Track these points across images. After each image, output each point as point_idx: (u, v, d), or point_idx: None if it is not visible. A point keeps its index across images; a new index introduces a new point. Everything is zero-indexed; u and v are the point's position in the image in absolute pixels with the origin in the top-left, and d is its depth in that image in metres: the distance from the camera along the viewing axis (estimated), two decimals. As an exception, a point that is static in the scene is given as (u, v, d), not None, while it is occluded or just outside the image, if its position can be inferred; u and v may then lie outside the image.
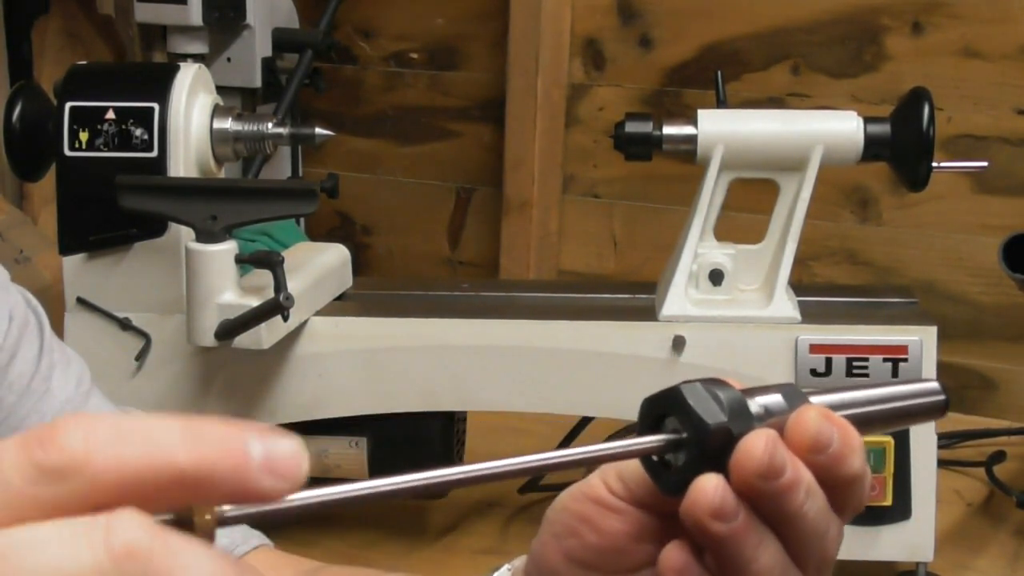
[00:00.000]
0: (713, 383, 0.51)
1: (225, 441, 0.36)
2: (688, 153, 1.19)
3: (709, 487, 0.50)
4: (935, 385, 0.58)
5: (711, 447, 0.50)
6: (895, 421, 0.57)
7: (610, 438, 1.37)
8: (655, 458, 0.52)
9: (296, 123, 1.29)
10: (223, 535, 0.88)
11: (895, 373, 1.16)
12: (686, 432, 0.51)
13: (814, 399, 0.54)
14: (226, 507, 0.41)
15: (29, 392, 0.81)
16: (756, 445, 0.50)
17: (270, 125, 1.22)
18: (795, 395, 0.53)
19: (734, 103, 1.31)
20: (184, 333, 1.15)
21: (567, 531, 0.58)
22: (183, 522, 0.40)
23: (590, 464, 0.52)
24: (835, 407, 0.54)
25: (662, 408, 0.52)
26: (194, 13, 1.68)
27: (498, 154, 1.90)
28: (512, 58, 1.85)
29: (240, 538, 0.83)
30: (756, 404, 0.52)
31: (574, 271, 1.90)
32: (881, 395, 0.56)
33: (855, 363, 1.16)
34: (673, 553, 0.53)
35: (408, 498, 0.44)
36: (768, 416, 0.52)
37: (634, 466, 0.55)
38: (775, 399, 0.53)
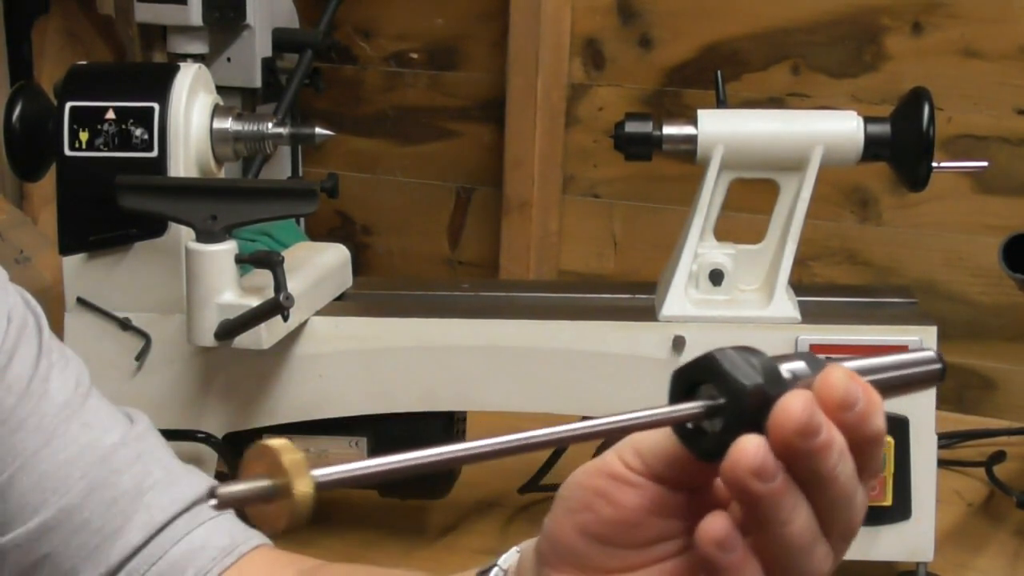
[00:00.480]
0: (744, 350, 0.53)
1: None
2: (688, 153, 1.19)
3: (751, 446, 0.51)
4: (931, 354, 0.60)
5: (748, 409, 0.52)
6: (897, 389, 0.59)
7: (603, 443, 1.36)
8: (689, 426, 0.54)
9: (296, 123, 1.29)
10: (225, 535, 0.88)
11: (895, 373, 1.16)
12: (723, 397, 0.52)
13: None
14: (318, 472, 0.42)
15: (28, 394, 0.81)
16: (795, 404, 0.52)
17: (270, 125, 1.22)
18: (816, 361, 0.55)
19: (734, 103, 1.31)
20: (184, 333, 1.15)
21: (582, 505, 0.58)
22: (282, 490, 0.42)
23: (629, 432, 0.53)
24: None
25: (695, 377, 0.53)
26: (194, 13, 1.68)
27: (498, 154, 1.90)
28: (512, 58, 1.85)
29: (241, 537, 0.84)
30: (785, 369, 0.54)
31: (574, 271, 1.90)
32: (884, 363, 0.58)
33: (855, 363, 1.16)
34: (715, 522, 0.53)
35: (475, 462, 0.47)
36: (796, 380, 0.54)
37: (651, 440, 0.56)
38: (800, 365, 0.55)
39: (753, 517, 0.53)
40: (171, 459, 0.86)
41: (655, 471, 0.56)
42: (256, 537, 0.85)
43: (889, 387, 0.58)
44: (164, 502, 0.82)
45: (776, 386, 0.52)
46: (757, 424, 0.52)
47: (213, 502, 0.42)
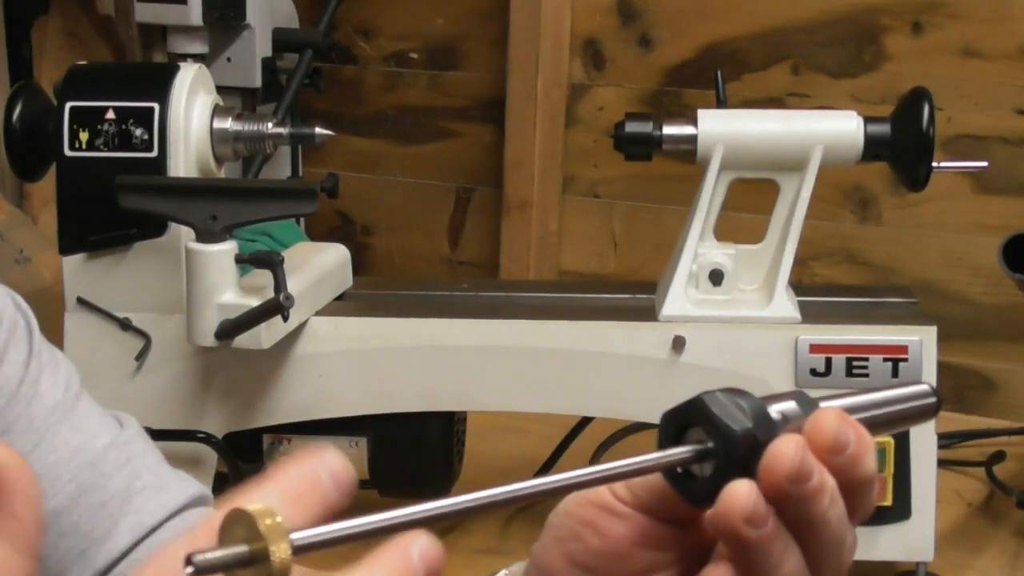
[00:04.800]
0: (733, 392, 0.52)
1: None
2: (688, 153, 1.19)
3: (742, 492, 0.50)
4: (926, 387, 0.59)
5: (738, 454, 0.51)
6: (891, 425, 0.58)
7: (603, 443, 1.36)
8: (679, 470, 0.53)
9: (296, 123, 1.29)
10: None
11: (895, 373, 1.16)
12: (712, 441, 0.51)
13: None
14: (296, 536, 0.42)
15: (17, 397, 0.80)
16: (787, 449, 0.51)
17: (270, 125, 1.22)
18: (807, 401, 0.54)
19: (734, 103, 1.31)
20: (184, 333, 1.15)
21: (570, 535, 0.58)
22: (259, 555, 0.41)
23: (617, 480, 0.52)
24: None
25: (684, 420, 0.52)
26: (194, 13, 1.68)
27: (498, 154, 1.90)
28: (512, 58, 1.85)
29: None
30: (774, 411, 0.53)
31: (574, 271, 1.90)
32: (878, 399, 0.57)
33: (855, 363, 1.16)
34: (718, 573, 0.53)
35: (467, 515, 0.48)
36: (786, 422, 0.53)
37: None
38: (790, 405, 0.53)
39: (742, 562, 0.52)
40: (160, 463, 0.85)
41: (644, 503, 0.56)
42: None
43: (883, 423, 0.57)
44: (153, 506, 0.81)
45: (765, 430, 0.51)
46: (747, 469, 0.51)
47: (190, 570, 0.41)
